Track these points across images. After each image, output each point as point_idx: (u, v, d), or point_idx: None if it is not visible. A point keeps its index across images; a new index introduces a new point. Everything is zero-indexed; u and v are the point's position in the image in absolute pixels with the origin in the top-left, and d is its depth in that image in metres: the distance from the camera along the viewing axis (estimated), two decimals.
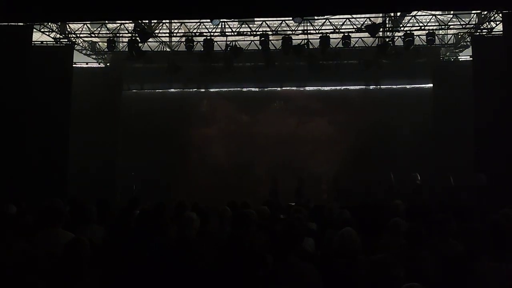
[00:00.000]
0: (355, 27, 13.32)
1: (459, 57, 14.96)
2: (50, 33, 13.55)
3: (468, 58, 14.05)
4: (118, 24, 14.06)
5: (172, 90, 16.03)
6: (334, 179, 13.71)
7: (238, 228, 4.92)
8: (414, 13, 13.05)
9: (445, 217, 5.15)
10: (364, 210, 6.69)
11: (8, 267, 3.69)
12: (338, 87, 15.41)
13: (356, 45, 14.10)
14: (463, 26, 13.31)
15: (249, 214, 5.49)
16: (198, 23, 13.89)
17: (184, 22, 14.16)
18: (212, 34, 13.69)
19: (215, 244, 4.60)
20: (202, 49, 13.68)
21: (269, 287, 3.82)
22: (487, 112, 11.91)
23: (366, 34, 13.26)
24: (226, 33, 13.75)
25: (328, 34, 13.19)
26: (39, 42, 13.47)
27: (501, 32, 12.05)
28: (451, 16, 13.36)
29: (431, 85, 14.38)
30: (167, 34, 14.56)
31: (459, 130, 12.95)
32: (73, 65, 13.70)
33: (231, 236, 4.25)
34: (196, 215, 4.88)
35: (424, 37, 13.36)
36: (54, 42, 13.76)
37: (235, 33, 13.78)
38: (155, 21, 13.93)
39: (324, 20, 13.48)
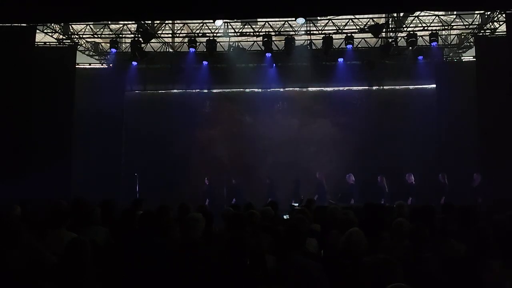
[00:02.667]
0: (358, 27, 13.32)
1: (462, 58, 14.92)
2: (53, 34, 13.60)
3: (471, 58, 14.02)
4: (121, 25, 14.09)
5: (175, 90, 16.03)
6: (337, 180, 13.70)
7: (233, 229, 4.89)
8: (417, 13, 13.04)
9: (448, 218, 5.14)
10: (368, 211, 6.66)
11: (15, 267, 3.70)
12: (341, 88, 15.38)
13: (359, 45, 14.11)
14: (466, 26, 13.29)
15: (243, 215, 5.48)
16: (201, 24, 13.92)
17: (187, 23, 14.19)
18: (215, 34, 13.71)
19: (218, 245, 4.59)
20: (205, 50, 13.72)
21: (274, 285, 3.81)
22: (490, 112, 11.91)
23: (369, 35, 13.26)
24: (229, 34, 13.77)
25: (331, 35, 13.20)
26: (42, 43, 13.53)
27: (505, 33, 12.03)
28: (454, 16, 13.36)
29: (434, 85, 14.35)
30: (170, 35, 14.59)
31: (463, 131, 12.91)
32: (76, 66, 13.74)
33: (226, 238, 4.25)
34: (201, 215, 4.88)
35: (427, 38, 13.35)
36: (57, 43, 13.82)
37: (238, 34, 13.80)
38: (158, 22, 13.97)
39: (327, 21, 13.49)
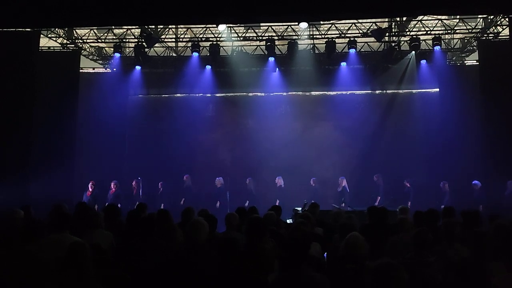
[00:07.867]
0: (361, 31, 13.33)
1: (465, 62, 14.89)
2: (57, 38, 13.65)
3: (474, 62, 14.01)
4: (125, 30, 14.15)
5: (178, 95, 16.04)
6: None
7: (253, 234, 4.75)
8: (420, 17, 13.04)
9: (452, 222, 5.13)
10: (371, 215, 6.66)
11: (18, 271, 3.70)
12: (344, 92, 15.36)
13: (362, 49, 14.12)
14: (470, 30, 13.29)
15: (262, 220, 5.41)
16: (204, 28, 13.95)
17: (190, 28, 14.22)
18: (218, 39, 13.74)
19: (221, 249, 4.58)
20: (208, 54, 13.75)
21: None
22: (494, 116, 11.89)
23: (372, 39, 13.26)
24: (232, 38, 13.80)
25: (334, 39, 13.21)
26: (46, 48, 13.58)
27: (508, 36, 12.03)
28: (457, 20, 13.35)
29: (437, 89, 14.33)
30: (173, 40, 14.63)
31: (466, 135, 12.89)
32: (80, 70, 13.78)
33: (249, 243, 4.18)
34: (204, 220, 4.88)
35: (430, 42, 13.35)
36: (61, 48, 13.86)
37: (241, 38, 13.82)
38: (161, 26, 14.01)
39: (330, 25, 13.50)
